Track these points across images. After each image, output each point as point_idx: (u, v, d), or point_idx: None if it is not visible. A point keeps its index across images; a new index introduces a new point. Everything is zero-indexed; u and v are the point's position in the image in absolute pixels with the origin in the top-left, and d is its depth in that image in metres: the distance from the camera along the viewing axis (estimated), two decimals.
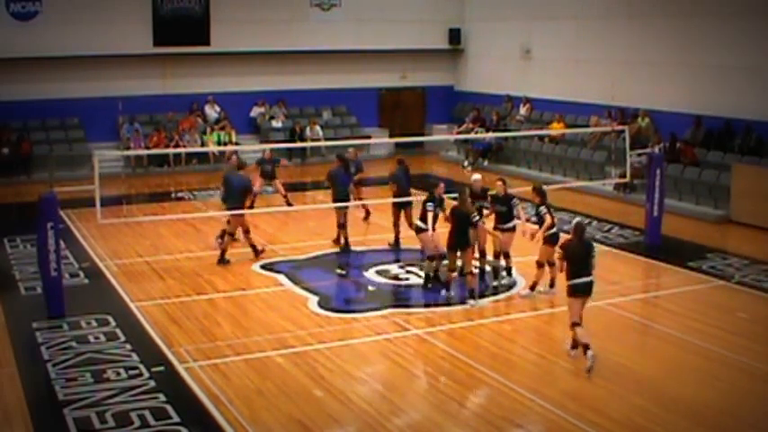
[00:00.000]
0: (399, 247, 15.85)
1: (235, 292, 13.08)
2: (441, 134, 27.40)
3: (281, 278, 14.11)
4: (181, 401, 9.53)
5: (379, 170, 25.24)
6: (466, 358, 10.77)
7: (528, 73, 26.43)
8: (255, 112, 26.53)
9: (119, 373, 10.26)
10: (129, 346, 11.14)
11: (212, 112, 25.83)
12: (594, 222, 18.18)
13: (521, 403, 9.57)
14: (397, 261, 15.15)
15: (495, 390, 9.95)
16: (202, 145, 24.39)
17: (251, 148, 25.04)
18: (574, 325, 10.54)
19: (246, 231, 15.02)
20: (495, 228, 13.51)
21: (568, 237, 11.11)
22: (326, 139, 25.36)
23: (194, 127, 24.82)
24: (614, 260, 15.36)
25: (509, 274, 13.76)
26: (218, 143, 24.85)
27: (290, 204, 18.35)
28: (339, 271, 14.64)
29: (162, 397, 9.60)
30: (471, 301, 12.73)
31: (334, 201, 15.87)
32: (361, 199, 17.32)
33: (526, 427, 9.10)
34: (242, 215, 14.84)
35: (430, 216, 13.24)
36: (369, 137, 26.52)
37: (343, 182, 16.10)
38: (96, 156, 13.59)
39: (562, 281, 11.13)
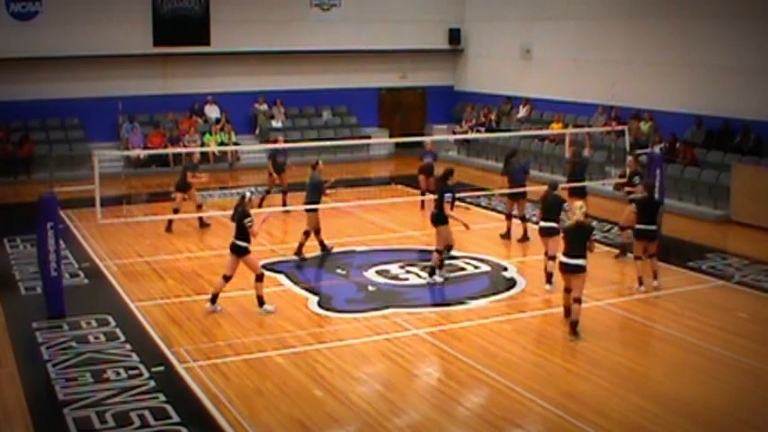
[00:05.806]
0: (510, 237, 16.58)
1: (235, 292, 13.07)
2: (441, 134, 27.39)
3: (281, 278, 14.10)
4: (181, 401, 9.53)
5: (380, 170, 25.38)
6: (466, 358, 10.76)
7: (528, 73, 26.44)
8: (256, 109, 26.56)
9: (119, 373, 10.25)
10: (129, 346, 11.14)
11: (212, 112, 25.83)
12: (594, 222, 18.14)
13: (521, 403, 9.57)
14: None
15: (495, 390, 9.94)
16: (202, 145, 24.37)
17: (250, 149, 25.07)
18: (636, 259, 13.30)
19: (317, 231, 15.27)
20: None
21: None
22: (326, 139, 25.37)
23: (194, 127, 24.82)
24: (614, 260, 15.37)
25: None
26: (219, 143, 24.83)
27: (285, 204, 18.36)
28: (339, 271, 14.64)
29: (162, 397, 9.60)
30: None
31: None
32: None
33: (526, 427, 9.10)
34: (316, 212, 15.13)
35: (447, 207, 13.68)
36: (369, 137, 26.55)
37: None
38: (96, 156, 13.58)
39: None
